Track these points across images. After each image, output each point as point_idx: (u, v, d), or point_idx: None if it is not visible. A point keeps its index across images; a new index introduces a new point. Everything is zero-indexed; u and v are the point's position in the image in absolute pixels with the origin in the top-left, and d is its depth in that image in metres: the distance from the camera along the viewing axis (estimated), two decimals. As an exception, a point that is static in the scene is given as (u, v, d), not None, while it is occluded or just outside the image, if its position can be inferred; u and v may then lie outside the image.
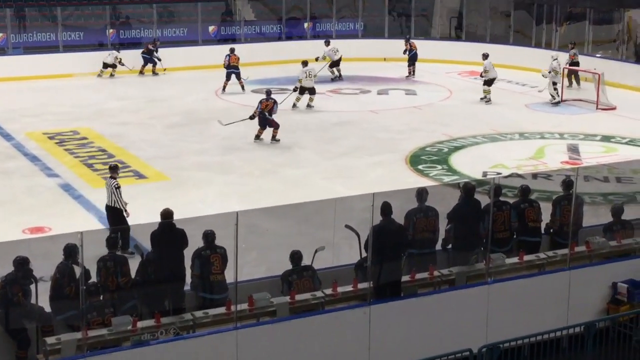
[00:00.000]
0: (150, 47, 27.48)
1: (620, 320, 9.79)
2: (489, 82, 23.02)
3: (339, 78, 26.48)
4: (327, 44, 26.74)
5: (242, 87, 24.65)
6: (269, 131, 19.08)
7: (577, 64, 25.03)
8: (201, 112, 22.33)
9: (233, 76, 24.70)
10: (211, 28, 30.24)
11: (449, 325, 9.56)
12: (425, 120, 21.64)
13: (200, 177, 16.78)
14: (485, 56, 23.23)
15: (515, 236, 10.84)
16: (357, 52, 29.16)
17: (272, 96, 19.30)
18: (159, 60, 27.40)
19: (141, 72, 27.37)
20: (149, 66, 27.34)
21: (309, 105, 22.50)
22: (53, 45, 28.07)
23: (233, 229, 8.64)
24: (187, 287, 9.56)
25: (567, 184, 11.09)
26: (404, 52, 27.28)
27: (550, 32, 28.93)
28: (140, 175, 16.90)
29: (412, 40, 27.74)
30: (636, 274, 10.46)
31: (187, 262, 9.44)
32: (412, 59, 27.12)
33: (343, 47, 28.83)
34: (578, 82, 25.13)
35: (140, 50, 27.51)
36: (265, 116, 18.87)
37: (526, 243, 10.80)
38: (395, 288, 9.76)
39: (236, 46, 28.08)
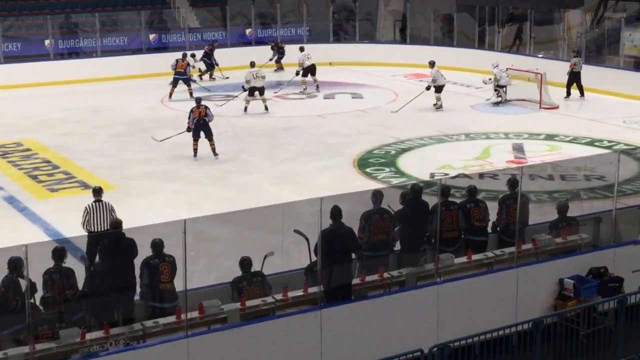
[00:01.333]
0: (208, 50, 27.37)
1: (568, 316, 9.94)
2: (438, 89, 22.89)
3: (316, 89, 25.67)
4: (302, 50, 26.29)
5: (191, 93, 24.36)
6: (203, 144, 18.23)
7: (577, 74, 23.77)
8: (147, 121, 22.15)
9: (180, 83, 24.48)
10: (152, 36, 30.01)
11: (399, 326, 9.60)
12: (372, 123, 21.75)
13: (147, 185, 16.64)
14: (432, 64, 23.03)
15: (462, 236, 10.94)
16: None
17: (203, 103, 18.64)
18: (217, 64, 27.43)
19: (211, 77, 27.51)
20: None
21: (266, 108, 22.43)
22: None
23: (181, 237, 8.58)
24: (136, 297, 9.47)
25: (512, 183, 11.23)
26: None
27: (493, 33, 29.29)
28: (86, 186, 16.66)
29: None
30: (582, 269, 10.63)
31: (137, 272, 9.37)
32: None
33: (288, 52, 28.93)
34: (582, 93, 23.82)
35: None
36: (202, 123, 18.07)
37: (473, 242, 10.90)
38: (346, 291, 9.77)
39: (181, 54, 28.00)
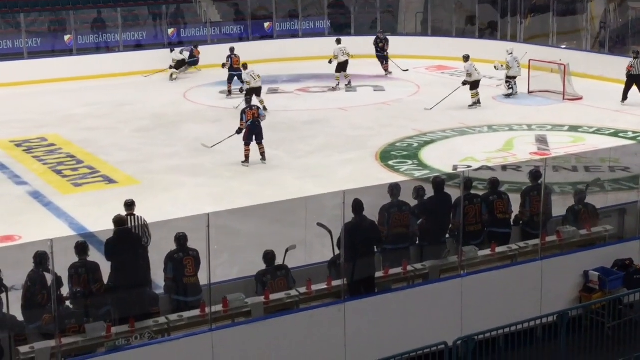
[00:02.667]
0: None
1: (593, 308, 9.89)
2: (474, 85, 21.98)
3: (348, 85, 24.99)
4: (338, 42, 25.24)
5: (230, 91, 24.01)
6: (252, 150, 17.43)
7: (635, 77, 21.72)
8: (170, 115, 22.23)
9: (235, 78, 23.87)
10: (170, 31, 30.04)
11: (423, 319, 9.59)
12: (394, 116, 21.70)
13: (170, 180, 16.70)
14: (466, 58, 22.11)
15: (485, 229, 10.91)
16: (323, 50, 29.15)
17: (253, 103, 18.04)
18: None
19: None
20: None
21: (265, 108, 20.75)
22: (17, 52, 27.83)
23: (205, 231, 8.61)
24: (160, 291, 9.53)
25: (535, 175, 11.18)
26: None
27: (515, 24, 29.12)
28: (110, 180, 16.80)
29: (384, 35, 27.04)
30: (607, 261, 10.57)
31: (160, 266, 9.42)
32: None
33: (310, 45, 28.86)
34: None
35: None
36: (255, 125, 17.13)
37: (496, 235, 10.85)
38: (369, 284, 9.77)
39: (202, 48, 28.05)
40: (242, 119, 17.16)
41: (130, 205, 11.08)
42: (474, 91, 22.03)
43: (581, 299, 10.34)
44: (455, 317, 9.68)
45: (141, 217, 10.55)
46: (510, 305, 9.90)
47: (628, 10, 28.00)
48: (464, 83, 22.15)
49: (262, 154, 17.28)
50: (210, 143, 18.11)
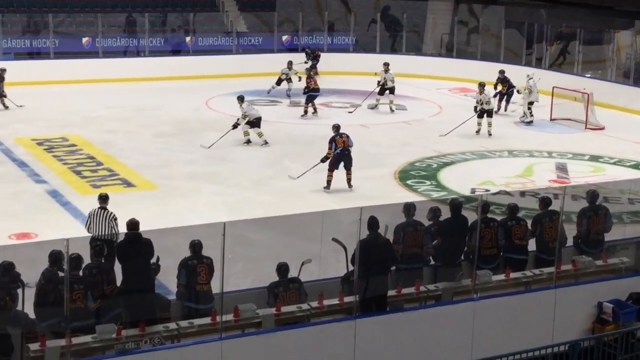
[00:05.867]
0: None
1: (605, 340, 9.81)
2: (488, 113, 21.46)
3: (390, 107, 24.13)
4: (387, 69, 24.08)
5: (306, 111, 23.28)
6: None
7: None
8: (191, 122, 22.32)
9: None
10: (188, 39, 30.01)
11: (434, 341, 9.56)
12: (414, 135, 21.70)
13: (188, 186, 16.75)
14: (482, 86, 21.49)
15: (502, 254, 10.87)
16: (348, 66, 29.26)
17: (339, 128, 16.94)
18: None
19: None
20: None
21: (266, 142, 19.91)
22: (44, 51, 28.04)
23: (220, 239, 8.62)
24: (172, 297, 9.54)
25: (546, 202, 11.18)
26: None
27: (541, 50, 29.09)
28: (128, 184, 16.87)
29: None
30: (622, 294, 10.50)
31: (174, 272, 9.43)
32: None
33: (334, 61, 28.96)
34: None
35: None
36: (345, 154, 16.43)
37: (513, 260, 10.81)
38: (381, 302, 9.75)
39: (230, 57, 28.20)
40: (330, 147, 16.41)
41: (103, 199, 12.02)
42: (489, 119, 21.48)
43: (594, 330, 10.28)
44: (466, 340, 9.64)
45: (110, 213, 11.75)
46: (521, 332, 9.85)
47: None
48: (480, 110, 21.42)
49: (349, 180, 16.54)
50: (297, 174, 17.08)
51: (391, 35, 32.83)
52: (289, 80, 25.30)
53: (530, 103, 23.14)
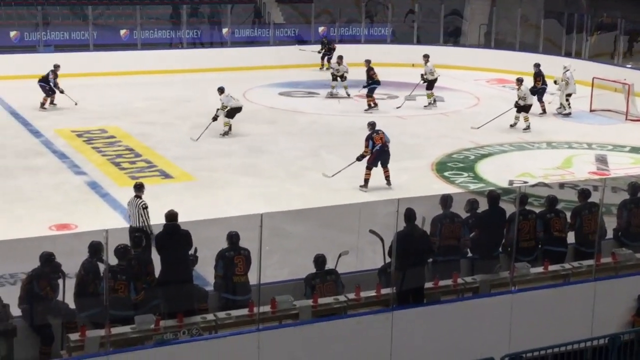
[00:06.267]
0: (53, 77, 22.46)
1: (645, 333, 9.71)
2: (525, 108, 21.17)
3: (432, 104, 23.56)
4: (426, 59, 23.59)
5: (370, 104, 23.18)
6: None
7: None
8: (228, 114, 22.37)
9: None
10: (225, 31, 30.10)
11: (471, 333, 9.51)
12: (452, 127, 21.58)
13: (226, 178, 16.83)
14: (520, 81, 21.20)
15: (540, 246, 10.78)
16: (385, 57, 29.15)
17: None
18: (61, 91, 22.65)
19: (52, 103, 22.70)
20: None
21: (226, 133, 19.83)
22: (84, 43, 28.30)
23: (257, 231, 8.65)
24: (210, 288, 9.60)
25: (585, 194, 11.08)
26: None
27: (581, 41, 28.75)
28: (166, 175, 16.99)
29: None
30: (662, 287, 10.37)
31: (211, 263, 9.48)
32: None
33: (371, 52, 28.80)
34: None
35: None
36: (384, 150, 16.13)
37: (551, 253, 10.73)
38: (419, 294, 9.73)
39: (266, 49, 28.24)
40: (367, 145, 16.04)
41: (138, 187, 12.48)
42: (526, 114, 21.26)
43: (634, 323, 10.16)
44: (504, 333, 9.58)
45: (141, 201, 12.13)
46: (560, 325, 9.77)
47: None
48: (517, 105, 21.19)
49: (387, 177, 16.19)
50: (331, 173, 16.73)
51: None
52: (342, 77, 24.82)
53: (568, 95, 22.87)
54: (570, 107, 22.85)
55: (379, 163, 16.13)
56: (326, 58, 28.59)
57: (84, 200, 15.43)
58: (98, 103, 23.44)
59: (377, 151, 16.02)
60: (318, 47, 29.03)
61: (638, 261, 10.89)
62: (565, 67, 23.11)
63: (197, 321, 8.89)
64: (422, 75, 23.67)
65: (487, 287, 10.08)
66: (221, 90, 20.00)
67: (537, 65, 23.17)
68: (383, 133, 16.26)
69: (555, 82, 23.33)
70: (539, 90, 22.89)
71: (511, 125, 21.28)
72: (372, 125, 16.49)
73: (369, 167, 16.11)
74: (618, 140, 20.25)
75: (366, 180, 16.12)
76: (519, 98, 21.18)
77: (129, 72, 27.06)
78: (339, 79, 24.86)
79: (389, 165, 16.25)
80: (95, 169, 17.34)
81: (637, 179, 12.00)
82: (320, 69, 28.60)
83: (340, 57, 25.25)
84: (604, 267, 10.62)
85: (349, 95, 24.60)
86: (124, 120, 21.43)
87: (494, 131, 20.82)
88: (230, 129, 19.93)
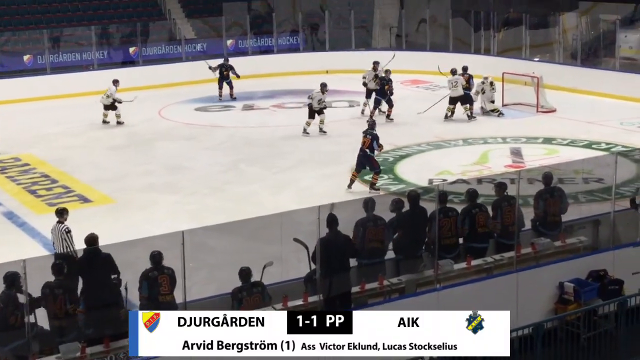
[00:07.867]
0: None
1: (568, 320, 9.94)
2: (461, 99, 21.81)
3: (449, 116, 22.34)
4: (454, 73, 22.40)
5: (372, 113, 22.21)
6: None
7: None
8: (144, 133, 22.14)
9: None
10: (132, 50, 29.82)
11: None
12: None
13: (146, 198, 16.63)
14: (454, 72, 21.91)
15: (463, 242, 10.95)
16: (299, 65, 29.26)
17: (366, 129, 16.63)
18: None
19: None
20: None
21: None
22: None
23: (180, 248, 8.57)
24: (136, 310, 9.45)
25: (502, 187, 11.31)
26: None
27: (489, 38, 29.32)
28: (85, 199, 16.70)
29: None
30: (582, 273, 10.64)
31: (136, 285, 9.36)
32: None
33: (285, 61, 28.92)
34: None
35: None
36: (366, 154, 16.28)
37: (476, 249, 10.91)
38: (346, 299, 9.77)
39: (179, 65, 27.98)
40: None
41: (62, 212, 11.99)
42: (456, 106, 22.02)
43: (556, 310, 10.39)
44: (432, 330, 9.66)
45: (63, 227, 11.71)
46: (486, 318, 9.90)
47: (599, 22, 28.31)
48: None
49: (373, 184, 16.34)
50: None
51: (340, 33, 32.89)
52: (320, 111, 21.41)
53: (492, 102, 23.02)
54: (499, 110, 22.91)
55: (349, 165, 16.67)
56: (224, 82, 26.40)
57: (0, 231, 15.05)
58: (9, 130, 22.90)
59: (361, 155, 16.35)
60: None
61: (557, 249, 11.16)
62: (484, 78, 23.05)
63: (125, 345, 8.75)
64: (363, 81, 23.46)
65: (413, 287, 10.20)
66: (115, 82, 22.05)
67: (465, 69, 22.98)
68: (371, 138, 16.33)
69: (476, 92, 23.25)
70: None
71: (446, 117, 22.01)
72: (371, 125, 16.91)
73: (357, 170, 16.47)
74: (531, 133, 20.71)
75: (352, 181, 16.45)
76: (452, 87, 21.85)
77: (39, 97, 26.48)
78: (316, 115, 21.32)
79: (308, 170, 16.52)
80: (11, 198, 16.95)
81: (551, 169, 12.31)
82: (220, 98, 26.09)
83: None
84: (524, 258, 10.86)
85: (324, 132, 21.53)
86: (37, 147, 20.98)
87: (413, 130, 21.06)
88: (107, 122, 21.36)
